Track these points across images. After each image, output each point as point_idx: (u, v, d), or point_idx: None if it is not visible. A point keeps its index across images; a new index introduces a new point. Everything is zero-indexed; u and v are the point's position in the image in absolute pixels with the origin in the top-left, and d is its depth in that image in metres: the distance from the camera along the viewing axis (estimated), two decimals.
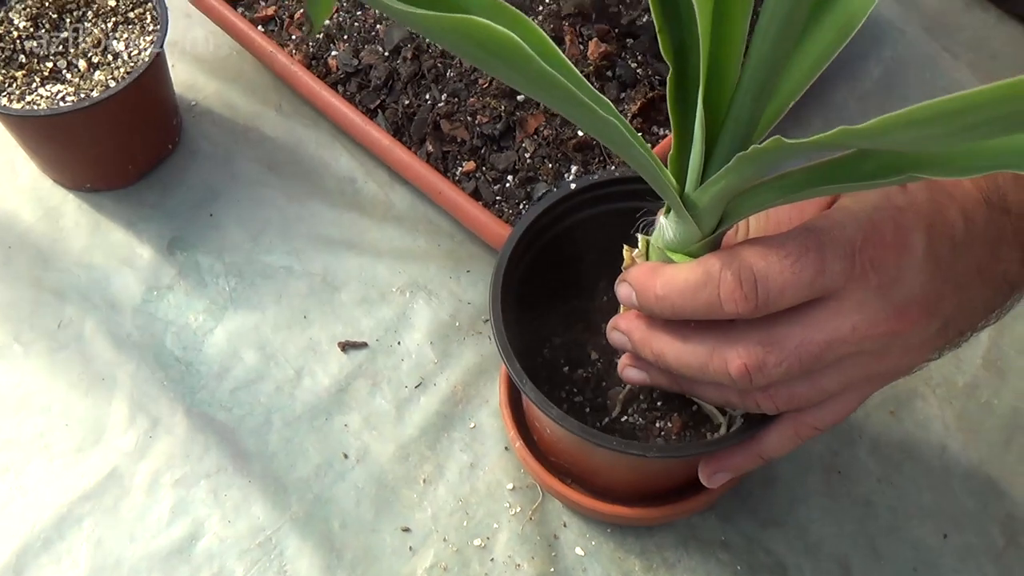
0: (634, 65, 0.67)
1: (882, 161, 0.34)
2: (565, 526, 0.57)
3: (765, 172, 0.36)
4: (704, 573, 0.55)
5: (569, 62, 0.31)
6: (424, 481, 0.58)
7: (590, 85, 0.32)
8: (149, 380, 0.60)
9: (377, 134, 0.63)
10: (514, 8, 0.31)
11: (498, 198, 0.64)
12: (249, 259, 0.65)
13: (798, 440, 0.46)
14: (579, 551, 0.56)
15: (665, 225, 0.41)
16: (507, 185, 0.64)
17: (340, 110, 0.65)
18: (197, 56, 0.73)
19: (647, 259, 0.44)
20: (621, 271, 0.47)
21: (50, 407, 0.60)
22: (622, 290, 0.43)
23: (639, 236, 0.44)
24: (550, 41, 0.30)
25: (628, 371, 0.46)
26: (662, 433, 0.49)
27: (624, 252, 0.46)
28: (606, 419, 0.50)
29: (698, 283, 0.39)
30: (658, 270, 0.40)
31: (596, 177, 0.52)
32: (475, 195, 0.63)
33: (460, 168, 0.65)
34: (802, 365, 0.38)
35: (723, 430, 0.48)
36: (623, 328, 0.44)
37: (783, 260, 0.37)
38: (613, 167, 0.64)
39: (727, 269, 0.38)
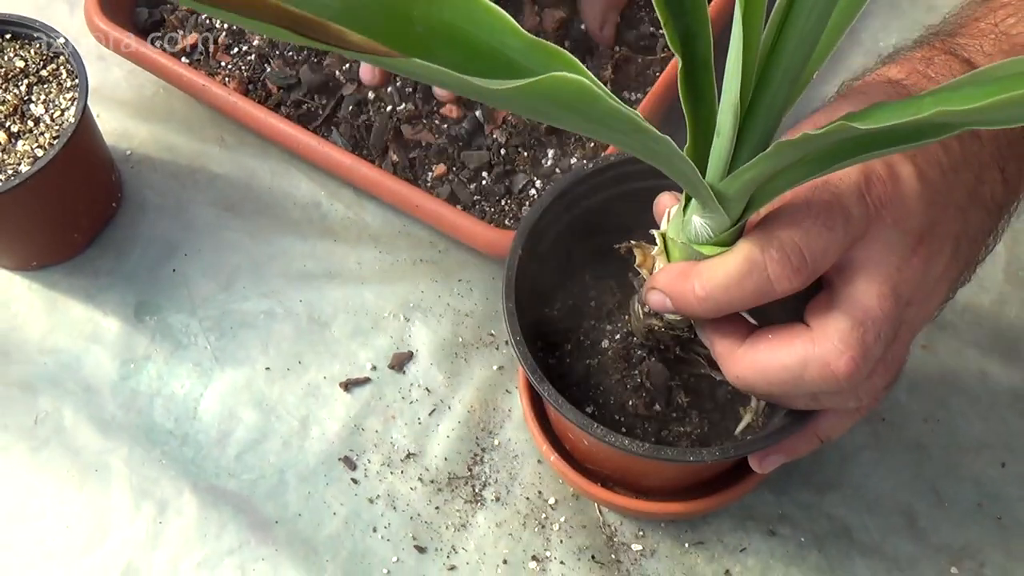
0: (583, 27, 0.63)
1: (924, 122, 0.31)
2: (617, 531, 0.54)
3: (802, 154, 0.33)
4: (768, 552, 0.53)
5: (602, 85, 0.28)
6: (460, 513, 0.54)
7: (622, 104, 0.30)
8: (146, 461, 0.56)
9: (337, 154, 0.59)
10: (543, 40, 0.28)
11: (476, 198, 0.60)
12: (225, 311, 0.60)
13: (859, 415, 0.43)
14: (637, 553, 0.53)
15: (689, 218, 0.38)
16: (483, 183, 0.60)
17: (291, 134, 0.60)
18: (121, 100, 0.67)
19: (667, 256, 0.41)
20: (637, 270, 0.44)
21: (45, 511, 0.55)
22: (654, 298, 0.40)
23: (655, 233, 0.41)
24: (581, 65, 0.28)
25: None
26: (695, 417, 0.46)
27: (635, 251, 0.43)
28: (644, 414, 0.47)
29: (742, 272, 0.37)
30: (690, 271, 0.38)
31: (588, 167, 0.49)
32: (451, 199, 0.59)
33: (431, 173, 0.60)
34: (892, 325, 0.38)
35: (749, 417, 0.45)
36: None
37: (814, 222, 0.37)
38: (592, 144, 0.60)
39: (769, 250, 0.37)
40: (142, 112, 0.67)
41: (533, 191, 0.60)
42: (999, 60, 0.43)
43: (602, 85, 0.30)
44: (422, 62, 0.25)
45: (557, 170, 0.60)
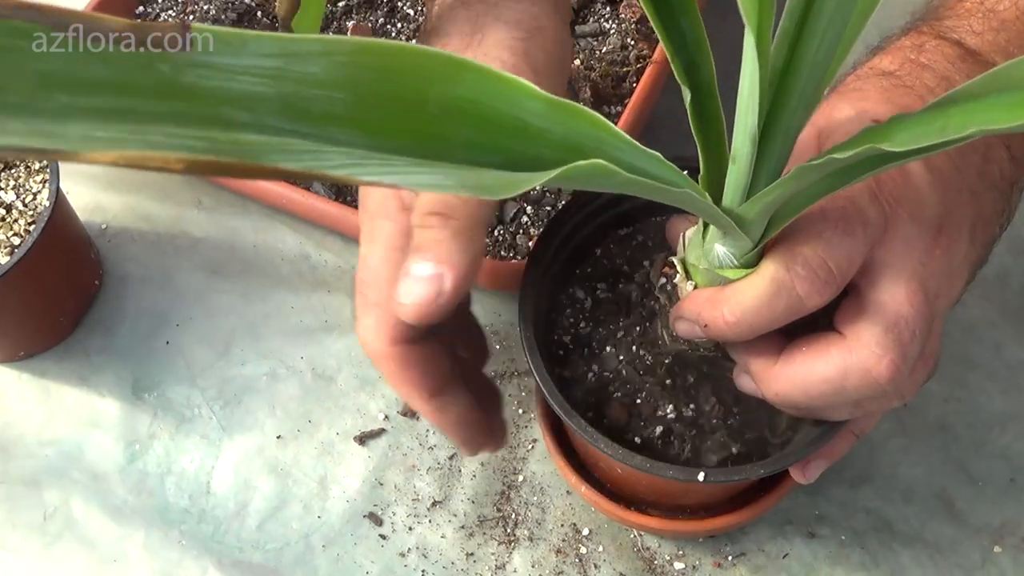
0: None
1: (944, 124, 0.31)
2: (656, 553, 0.53)
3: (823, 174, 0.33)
4: (811, 555, 0.52)
5: (621, 132, 0.29)
6: (496, 556, 0.53)
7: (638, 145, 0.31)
8: (164, 544, 0.54)
9: (322, 204, 0.58)
10: (564, 100, 0.29)
11: None
12: (225, 377, 0.59)
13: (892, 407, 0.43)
14: (679, 572, 0.52)
15: (710, 244, 0.37)
16: None
17: (273, 190, 0.58)
18: (89, 174, 0.65)
19: (687, 279, 0.40)
20: (657, 294, 0.43)
21: None
22: (682, 327, 0.40)
23: (674, 259, 0.41)
24: (603, 120, 0.30)
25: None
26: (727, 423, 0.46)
27: (654, 276, 0.42)
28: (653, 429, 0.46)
29: (770, 294, 0.37)
30: (717, 297, 0.38)
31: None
32: None
33: None
34: (925, 321, 0.37)
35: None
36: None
37: (834, 232, 0.37)
38: None
39: (794, 267, 0.37)
40: (113, 183, 0.65)
41: (525, 218, 0.59)
42: (989, 37, 0.43)
43: (631, 139, 0.31)
44: (457, 183, 0.26)
45: (547, 193, 0.59)
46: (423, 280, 0.37)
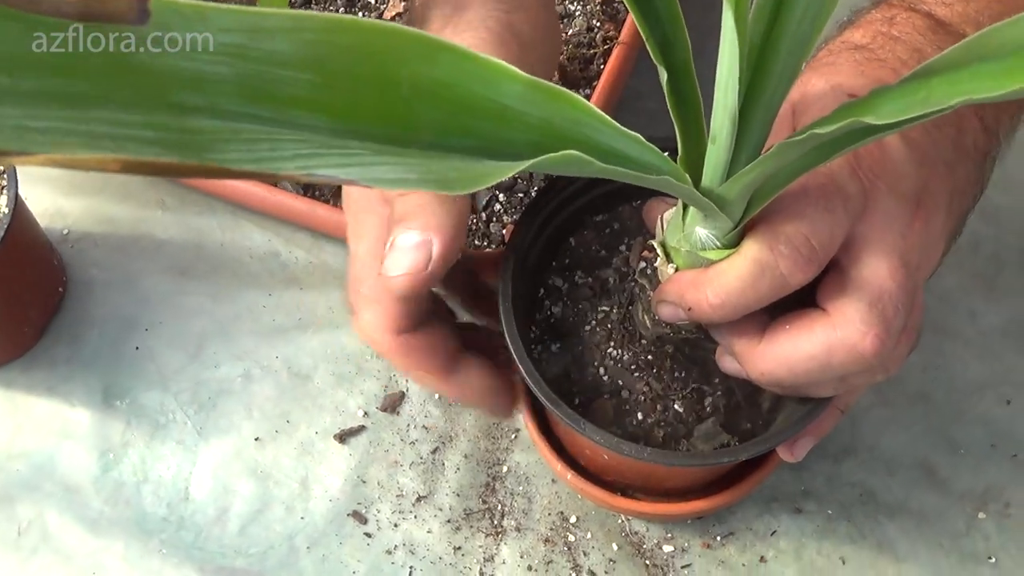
0: None
1: (927, 95, 0.31)
2: (645, 537, 0.53)
3: (805, 151, 0.32)
4: (798, 531, 0.53)
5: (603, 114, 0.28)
6: (484, 549, 0.53)
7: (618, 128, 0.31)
8: (144, 554, 0.53)
9: (291, 200, 0.56)
10: (545, 82, 0.28)
11: None
12: (199, 381, 0.57)
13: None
14: (669, 555, 0.52)
15: (690, 226, 0.37)
16: None
17: (239, 187, 0.57)
18: (47, 177, 0.63)
19: (668, 262, 0.40)
20: (638, 279, 0.42)
21: None
22: (665, 310, 0.39)
23: (653, 243, 0.40)
24: (584, 102, 0.29)
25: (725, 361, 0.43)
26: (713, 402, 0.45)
27: (633, 260, 0.42)
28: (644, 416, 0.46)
29: (754, 274, 0.36)
30: (700, 279, 0.37)
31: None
32: None
33: None
34: (907, 294, 0.37)
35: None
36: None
37: (816, 209, 0.37)
38: None
39: (777, 246, 0.36)
40: (73, 186, 0.63)
41: (498, 206, 0.58)
42: (959, 8, 0.43)
43: (611, 120, 0.30)
44: (420, 177, 0.25)
45: (520, 180, 0.58)
46: (410, 250, 0.36)
